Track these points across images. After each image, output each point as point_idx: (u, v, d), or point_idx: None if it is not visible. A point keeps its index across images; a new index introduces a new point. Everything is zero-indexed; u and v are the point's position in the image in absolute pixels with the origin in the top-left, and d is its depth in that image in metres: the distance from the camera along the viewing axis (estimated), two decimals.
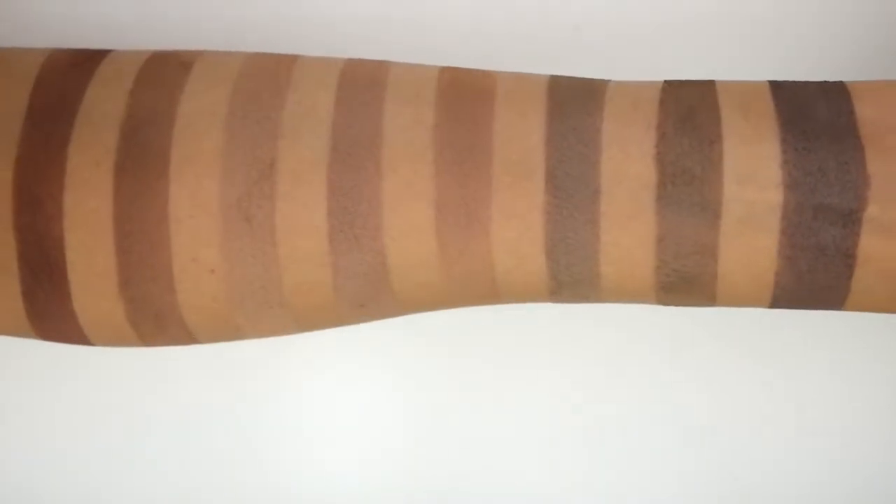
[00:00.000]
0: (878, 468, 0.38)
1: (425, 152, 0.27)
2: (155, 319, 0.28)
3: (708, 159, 0.26)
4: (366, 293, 0.28)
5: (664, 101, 0.27)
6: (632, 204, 0.26)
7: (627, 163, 0.26)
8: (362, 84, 0.28)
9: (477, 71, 0.28)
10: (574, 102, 0.27)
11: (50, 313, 0.28)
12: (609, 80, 0.28)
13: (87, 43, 0.33)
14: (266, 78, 0.28)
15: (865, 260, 0.26)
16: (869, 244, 0.26)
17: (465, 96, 0.27)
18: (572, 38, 0.33)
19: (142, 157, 0.27)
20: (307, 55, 0.29)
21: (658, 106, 0.27)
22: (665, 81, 0.28)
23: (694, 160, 0.26)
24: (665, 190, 0.26)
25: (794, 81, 0.27)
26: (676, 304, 0.28)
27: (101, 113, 0.27)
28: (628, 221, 0.26)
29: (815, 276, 0.26)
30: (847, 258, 0.26)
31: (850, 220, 0.26)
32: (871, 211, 0.26)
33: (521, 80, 0.28)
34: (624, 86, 0.28)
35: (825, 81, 0.27)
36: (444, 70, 0.28)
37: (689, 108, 0.27)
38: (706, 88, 0.27)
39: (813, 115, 0.26)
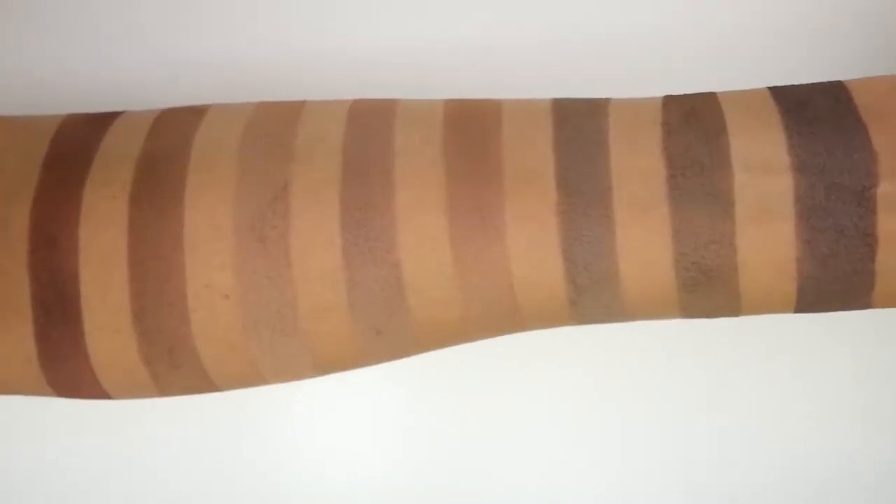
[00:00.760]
0: (880, 468, 0.37)
1: (436, 166, 0.27)
2: (169, 355, 0.28)
3: (715, 150, 0.26)
4: (382, 313, 0.27)
5: (666, 104, 0.28)
6: (644, 197, 0.26)
7: (636, 158, 0.26)
8: (371, 115, 0.29)
9: (481, 99, 0.29)
10: (578, 113, 0.28)
11: (62, 356, 0.28)
12: (610, 98, 0.29)
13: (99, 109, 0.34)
14: (277, 116, 0.29)
15: (887, 239, 0.26)
16: (887, 222, 0.26)
17: (471, 117, 0.28)
18: (572, 43, 0.34)
19: (158, 188, 0.27)
20: (314, 99, 0.30)
21: (661, 108, 0.27)
22: (665, 95, 0.28)
23: (702, 151, 0.26)
24: (676, 182, 0.26)
25: (791, 85, 0.28)
26: (701, 311, 0.28)
27: (118, 155, 0.28)
28: (642, 215, 0.26)
29: (838, 260, 0.26)
30: (867, 237, 0.26)
31: (864, 197, 0.26)
32: (884, 187, 0.26)
33: (526, 102, 0.29)
34: (625, 100, 0.28)
35: (821, 82, 0.28)
36: (449, 100, 0.29)
37: (691, 107, 0.27)
38: (706, 94, 0.28)
39: (812, 105, 0.27)
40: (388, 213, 0.27)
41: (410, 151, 0.27)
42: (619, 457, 0.38)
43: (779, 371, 0.38)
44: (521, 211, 0.27)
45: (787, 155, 0.26)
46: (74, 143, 0.29)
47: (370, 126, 0.28)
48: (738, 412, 0.38)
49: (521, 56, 0.34)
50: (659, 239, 0.26)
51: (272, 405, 0.38)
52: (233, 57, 0.36)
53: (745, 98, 0.28)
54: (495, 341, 0.37)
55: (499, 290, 0.27)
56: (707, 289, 0.27)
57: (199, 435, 0.39)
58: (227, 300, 0.27)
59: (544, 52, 0.34)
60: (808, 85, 0.28)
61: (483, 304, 0.27)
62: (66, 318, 0.27)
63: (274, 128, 0.28)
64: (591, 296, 0.27)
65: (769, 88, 0.28)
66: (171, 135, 0.28)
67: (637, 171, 0.26)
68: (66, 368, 0.28)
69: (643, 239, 0.26)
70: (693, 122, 0.27)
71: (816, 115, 0.27)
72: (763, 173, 0.26)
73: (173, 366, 0.28)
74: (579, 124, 0.27)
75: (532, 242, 0.27)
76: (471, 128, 0.28)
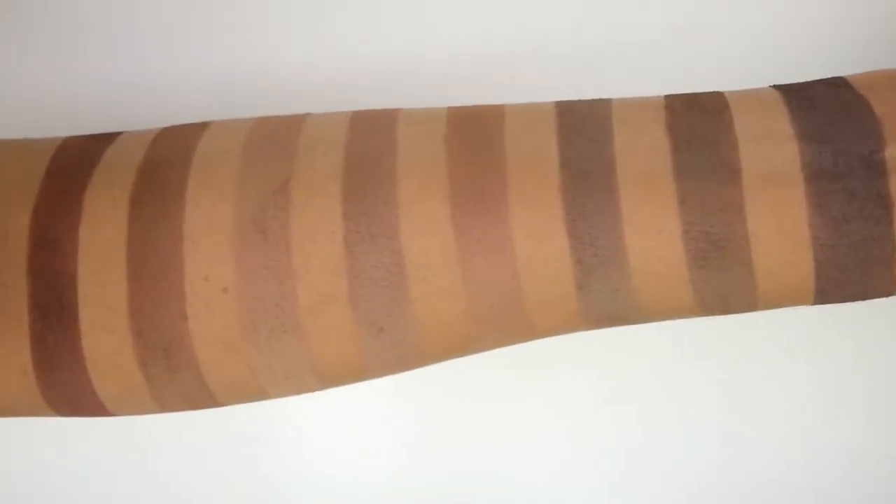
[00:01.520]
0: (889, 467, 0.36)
1: (438, 155, 0.27)
2: (164, 357, 0.27)
3: (719, 126, 0.26)
4: (383, 307, 0.27)
5: (669, 95, 0.28)
6: (648, 171, 0.26)
7: (640, 136, 0.26)
8: (374, 119, 0.29)
9: (484, 105, 0.29)
10: (581, 106, 0.28)
11: (59, 362, 0.27)
12: (612, 98, 0.29)
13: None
14: (280, 126, 0.29)
15: None
16: None
17: (474, 117, 0.28)
18: (573, 41, 0.35)
19: (159, 190, 0.27)
20: (317, 112, 0.30)
21: (664, 97, 0.28)
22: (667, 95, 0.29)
23: (706, 128, 0.26)
24: (681, 155, 0.26)
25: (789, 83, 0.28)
26: (715, 295, 0.27)
27: (121, 163, 0.28)
28: (647, 186, 0.26)
29: (854, 224, 0.25)
30: (880, 198, 0.25)
31: (872, 161, 0.25)
32: (892, 150, 0.25)
33: (529, 104, 0.29)
34: (628, 97, 0.29)
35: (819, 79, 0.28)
36: (453, 107, 0.29)
37: (693, 95, 0.28)
38: (710, 91, 0.28)
39: (812, 89, 0.27)
40: (390, 201, 0.27)
41: (413, 144, 0.27)
42: (624, 460, 0.37)
43: (788, 372, 0.37)
44: (523, 192, 0.26)
45: (790, 125, 0.26)
46: (76, 155, 0.29)
47: (373, 127, 0.28)
48: (746, 414, 0.37)
49: (522, 67, 0.35)
50: (665, 209, 0.26)
51: (274, 410, 0.38)
52: (233, 72, 0.36)
53: (744, 91, 0.28)
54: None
55: (503, 276, 0.26)
56: (719, 262, 0.26)
57: (200, 439, 0.38)
58: (225, 294, 0.26)
59: (546, 63, 0.35)
60: (805, 82, 0.28)
61: (486, 294, 0.27)
62: (63, 319, 0.27)
63: (276, 134, 0.29)
64: (599, 277, 0.26)
65: (770, 86, 0.28)
66: (174, 144, 0.29)
67: (640, 146, 0.26)
68: (61, 377, 0.27)
69: (649, 210, 0.26)
70: (696, 106, 0.27)
71: (815, 95, 0.27)
72: (768, 143, 0.26)
73: (169, 369, 0.27)
74: (582, 114, 0.27)
75: (536, 222, 0.26)
76: (473, 124, 0.28)
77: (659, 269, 0.26)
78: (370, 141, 0.28)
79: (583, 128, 0.27)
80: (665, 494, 0.37)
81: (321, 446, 0.38)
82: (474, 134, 0.27)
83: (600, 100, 0.28)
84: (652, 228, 0.26)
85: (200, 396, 0.28)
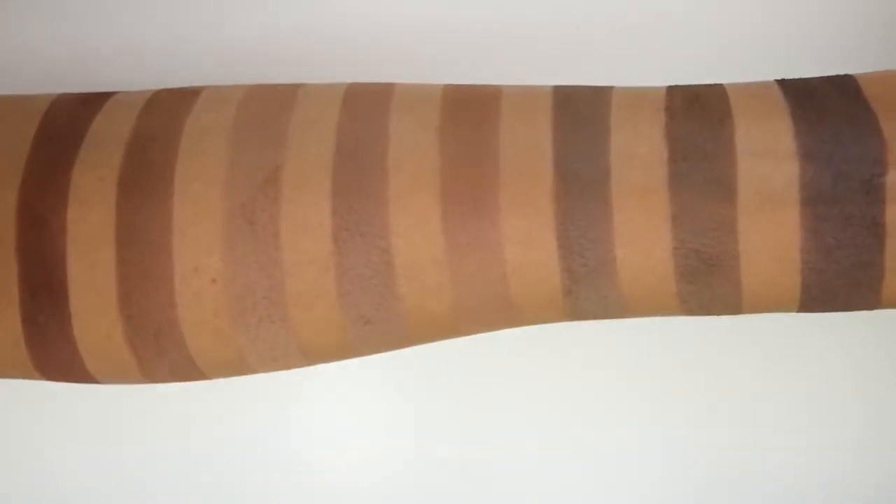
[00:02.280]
0: (880, 469, 0.37)
1: (430, 150, 0.26)
2: (155, 340, 0.27)
3: (719, 136, 0.26)
4: (371, 302, 0.27)
5: (671, 91, 0.27)
6: (643, 182, 0.25)
7: (637, 142, 0.26)
8: (367, 97, 0.28)
9: (480, 84, 0.29)
10: (579, 98, 0.27)
11: (49, 340, 0.27)
12: (613, 86, 0.28)
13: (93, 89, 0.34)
14: (272, 99, 0.28)
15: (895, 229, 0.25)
16: None
17: (469, 102, 0.28)
18: (573, 38, 0.33)
19: (147, 172, 0.27)
20: (311, 82, 0.30)
21: (665, 94, 0.27)
22: (669, 85, 0.28)
23: (705, 137, 0.26)
24: (677, 166, 0.25)
25: (798, 77, 0.27)
26: (701, 305, 0.27)
27: (108, 136, 0.28)
28: (640, 199, 0.25)
29: (844, 251, 0.25)
30: (875, 227, 0.25)
31: (872, 185, 0.25)
32: (893, 175, 0.25)
33: (526, 88, 0.28)
34: (628, 87, 0.28)
35: (830, 75, 0.27)
36: (448, 85, 0.29)
37: (696, 94, 0.27)
38: (712, 84, 0.27)
39: (819, 95, 0.26)
40: (381, 198, 0.26)
41: (405, 135, 0.27)
42: (619, 458, 0.38)
43: (780, 372, 0.37)
44: (516, 196, 0.26)
45: (793, 142, 0.25)
46: (65, 122, 0.28)
47: (365, 109, 0.28)
48: (740, 413, 0.37)
49: (522, 38, 0.34)
50: (657, 224, 0.25)
51: (272, 402, 0.38)
52: (227, 38, 0.35)
53: (751, 88, 0.27)
54: (497, 340, 0.36)
55: (491, 278, 0.26)
56: (707, 279, 0.26)
57: (196, 433, 0.39)
58: (214, 284, 0.26)
59: (547, 37, 0.34)
60: (816, 77, 0.27)
61: (475, 293, 0.27)
62: (54, 301, 0.27)
63: (267, 111, 0.28)
64: (587, 284, 0.26)
65: (777, 80, 0.27)
66: (163, 117, 0.28)
67: (637, 154, 0.26)
68: (52, 353, 0.27)
69: (641, 224, 0.25)
70: (697, 108, 0.26)
71: (824, 104, 0.26)
72: (768, 160, 0.25)
73: (159, 352, 0.27)
74: (580, 108, 0.27)
75: (527, 228, 0.26)
76: (468, 112, 0.27)
77: (647, 281, 0.26)
78: (362, 127, 0.27)
79: (579, 127, 0.26)
80: (663, 490, 0.38)
81: (316, 439, 0.39)
82: (468, 126, 0.27)
83: (599, 91, 0.27)
84: (643, 243, 0.26)
85: (189, 373, 0.28)
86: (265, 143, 0.27)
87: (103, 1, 0.36)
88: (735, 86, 0.27)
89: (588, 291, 0.26)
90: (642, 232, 0.25)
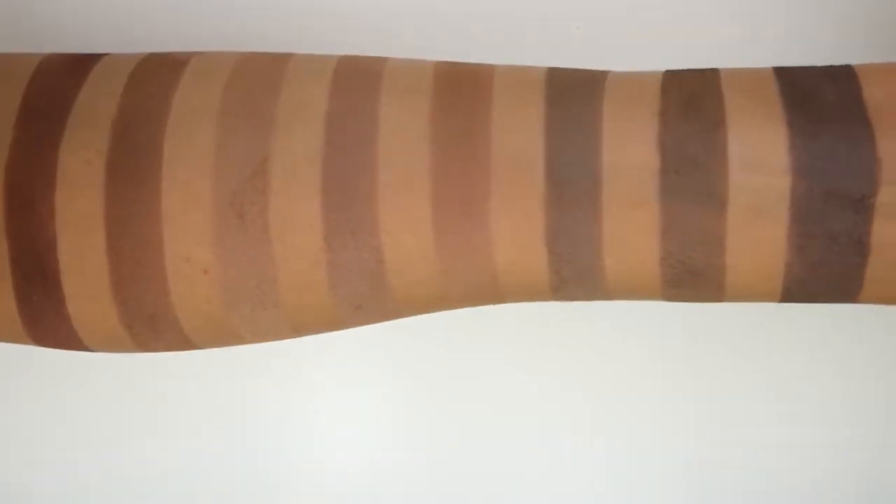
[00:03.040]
0: (878, 468, 0.38)
1: (421, 144, 0.26)
2: (150, 322, 0.28)
3: (712, 145, 0.25)
4: (363, 293, 0.27)
5: (666, 87, 0.26)
6: (634, 193, 0.25)
7: (629, 151, 0.25)
8: (357, 77, 0.27)
9: (474, 63, 0.28)
10: (573, 91, 0.26)
11: (44, 318, 0.28)
12: (608, 71, 0.27)
13: (82, 48, 0.33)
14: (259, 75, 0.27)
15: (880, 247, 0.25)
16: (882, 231, 0.25)
17: (461, 87, 0.27)
18: (572, 34, 0.32)
19: (134, 156, 0.27)
20: (301, 53, 0.29)
21: (660, 93, 0.26)
22: (666, 70, 0.27)
23: (698, 147, 0.25)
24: (669, 178, 0.25)
25: (799, 67, 0.27)
26: (683, 300, 0.27)
27: (93, 113, 0.27)
28: (631, 211, 0.25)
29: (828, 266, 0.25)
30: (860, 246, 0.25)
31: (862, 205, 0.25)
32: (883, 195, 0.25)
33: (519, 71, 0.27)
34: (623, 75, 0.27)
35: (831, 65, 0.26)
36: (441, 63, 0.28)
37: (691, 94, 0.26)
38: (709, 75, 0.26)
39: (820, 99, 0.25)
40: (371, 195, 0.26)
41: (396, 125, 0.26)
42: (617, 455, 0.38)
43: (776, 364, 0.38)
44: (507, 201, 0.26)
45: (787, 155, 0.25)
46: (50, 95, 0.28)
47: (355, 93, 0.27)
48: (735, 410, 0.38)
49: (521, 37, 0.32)
50: (646, 236, 0.26)
51: (269, 396, 0.39)
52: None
53: (748, 82, 0.26)
54: (495, 339, 0.37)
55: (481, 276, 0.27)
56: (692, 286, 0.26)
57: (196, 432, 0.39)
58: (206, 275, 0.27)
59: (546, 37, 0.32)
60: (816, 69, 0.26)
61: (464, 287, 0.27)
62: (46, 284, 0.27)
63: (256, 88, 0.27)
64: (575, 284, 0.27)
65: (775, 70, 0.26)
66: (149, 92, 0.27)
67: (629, 165, 0.25)
68: (48, 328, 0.28)
69: (630, 235, 0.26)
70: (692, 112, 0.26)
71: (822, 112, 0.25)
72: (760, 174, 0.25)
73: (154, 331, 0.28)
74: (573, 106, 0.26)
75: (517, 233, 0.26)
76: (460, 100, 0.27)
77: (633, 285, 0.27)
78: (352, 115, 0.26)
79: (571, 130, 0.26)
80: (656, 484, 0.39)
81: (313, 436, 0.39)
82: (459, 117, 0.26)
83: (593, 82, 0.27)
84: (631, 253, 0.26)
85: (183, 347, 0.29)
86: (253, 130, 0.26)
87: None
88: (732, 78, 0.26)
89: (575, 290, 0.27)
90: (631, 243, 0.26)
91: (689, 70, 0.27)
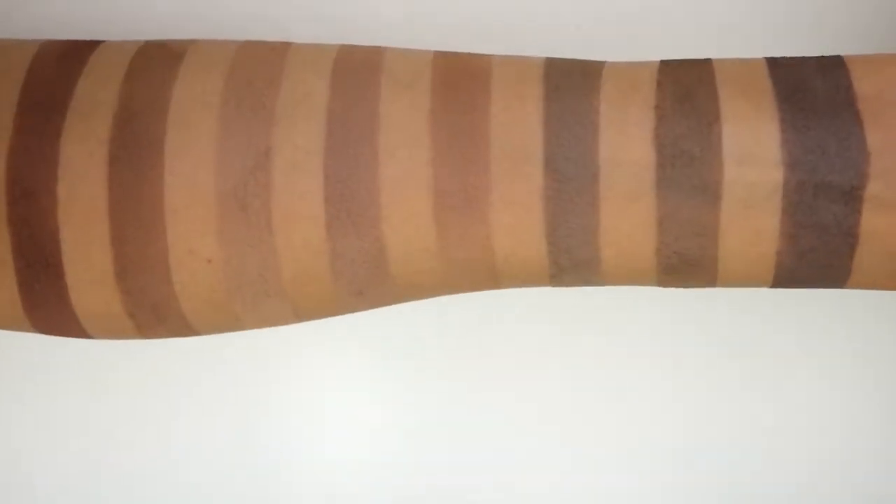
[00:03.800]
0: (877, 468, 0.38)
1: (422, 138, 0.26)
2: (153, 310, 0.28)
3: (707, 140, 0.26)
4: (364, 280, 0.28)
5: (661, 82, 0.27)
6: (631, 186, 0.26)
7: (626, 145, 0.26)
8: (357, 69, 0.27)
9: (472, 54, 0.28)
10: (570, 84, 0.27)
11: (46, 305, 0.28)
12: (605, 62, 0.28)
13: (79, 34, 0.32)
14: (260, 65, 0.28)
15: (867, 238, 0.26)
16: (870, 222, 0.26)
17: (460, 80, 0.27)
18: (572, 32, 0.33)
19: (136, 147, 0.27)
20: (300, 42, 0.29)
21: (656, 87, 0.26)
22: (661, 62, 0.27)
23: (693, 141, 0.26)
24: (665, 172, 0.26)
25: (791, 57, 0.27)
26: (677, 286, 0.28)
27: (94, 103, 0.27)
28: (628, 204, 0.26)
29: (817, 255, 0.26)
30: (849, 237, 0.26)
31: (852, 197, 0.26)
32: (872, 188, 0.25)
33: (517, 63, 0.28)
34: (620, 67, 0.27)
35: (822, 56, 0.27)
36: (439, 54, 0.28)
37: (686, 89, 0.26)
38: (703, 68, 0.27)
39: (811, 92, 0.26)
40: (373, 186, 0.26)
41: (396, 118, 0.27)
42: (615, 457, 0.39)
43: (779, 374, 0.38)
44: (507, 194, 0.26)
45: (779, 150, 0.26)
46: (49, 85, 0.28)
47: (355, 84, 0.27)
48: (736, 416, 0.38)
49: (519, 36, 0.32)
50: (643, 228, 0.26)
51: (268, 394, 0.39)
52: None
53: (742, 76, 0.27)
54: (494, 341, 0.37)
55: (481, 265, 0.27)
56: (686, 273, 0.27)
57: (195, 430, 0.39)
58: (209, 264, 0.27)
59: (546, 37, 0.33)
60: (808, 61, 0.27)
61: (464, 276, 0.28)
62: (48, 273, 0.27)
63: (256, 79, 0.27)
64: (572, 273, 0.27)
65: (767, 62, 0.27)
66: (149, 83, 0.27)
67: (626, 159, 0.26)
68: (50, 315, 0.28)
69: (627, 228, 0.26)
70: (687, 108, 0.26)
71: (813, 106, 0.26)
72: (754, 168, 0.26)
73: (157, 319, 0.28)
74: (570, 100, 0.26)
75: (516, 226, 0.26)
76: (459, 94, 0.27)
77: (630, 274, 0.27)
78: (352, 108, 0.27)
79: (569, 123, 0.26)
80: (656, 489, 0.39)
81: (313, 435, 0.39)
82: (459, 110, 0.27)
83: (590, 73, 0.27)
84: (628, 244, 0.26)
85: (185, 333, 0.29)
86: (254, 122, 0.27)
87: None
88: (726, 71, 0.27)
89: (573, 278, 0.28)
90: (628, 235, 0.26)
91: (683, 61, 0.27)
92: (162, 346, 0.36)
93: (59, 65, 0.28)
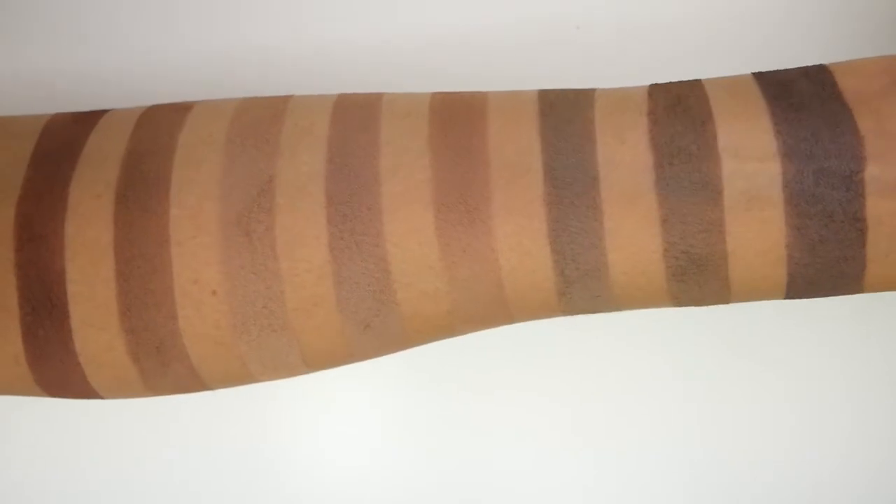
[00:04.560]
0: (878, 469, 0.37)
1: (422, 157, 0.27)
2: (157, 353, 0.27)
3: (702, 138, 0.26)
4: (370, 308, 0.27)
5: (652, 93, 0.27)
6: (631, 187, 0.26)
7: (623, 148, 0.26)
8: (357, 107, 0.28)
9: (467, 91, 0.29)
10: (565, 102, 0.28)
11: (51, 354, 0.28)
12: (596, 88, 0.29)
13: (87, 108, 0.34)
14: (263, 109, 0.29)
15: (876, 223, 0.26)
16: (876, 205, 0.25)
17: (458, 109, 0.28)
18: (572, 38, 0.34)
19: (142, 185, 0.27)
20: (300, 94, 0.30)
21: (647, 97, 0.27)
22: (651, 84, 0.28)
23: (688, 140, 0.26)
24: (663, 171, 0.26)
25: (775, 70, 0.28)
26: (691, 300, 0.27)
27: (104, 153, 0.28)
28: (630, 204, 0.26)
29: (828, 246, 0.26)
30: (856, 222, 0.26)
31: (852, 181, 0.26)
32: (871, 170, 0.26)
33: (512, 94, 0.29)
34: (610, 89, 0.28)
35: (805, 66, 0.28)
36: (437, 93, 0.29)
37: (677, 97, 0.27)
38: (692, 82, 0.28)
39: (796, 91, 0.27)
40: (374, 206, 0.27)
41: (396, 142, 0.27)
42: (616, 462, 0.38)
43: (777, 370, 0.37)
44: (508, 203, 0.26)
45: (774, 140, 0.26)
46: (60, 141, 0.29)
47: (356, 117, 0.28)
48: (735, 418, 0.38)
49: (504, 46, 0.34)
50: (647, 228, 0.26)
51: (273, 407, 0.38)
52: (216, 53, 0.35)
53: (730, 85, 0.27)
54: (495, 344, 0.36)
55: (487, 283, 0.27)
56: (697, 277, 0.27)
57: (195, 432, 0.39)
58: (214, 296, 0.27)
59: (528, 43, 0.34)
60: (790, 70, 0.28)
61: (471, 297, 0.27)
62: (54, 316, 0.27)
63: (259, 121, 0.28)
64: (580, 286, 0.27)
65: (753, 75, 0.28)
66: (157, 131, 0.28)
67: (623, 161, 0.26)
68: (53, 367, 0.28)
69: (631, 229, 0.26)
70: (679, 111, 0.27)
71: (801, 100, 0.26)
72: (751, 160, 0.26)
73: (162, 363, 0.28)
74: (565, 113, 0.27)
75: (520, 235, 0.26)
76: (457, 119, 0.28)
77: (639, 282, 0.27)
78: (353, 136, 0.28)
79: (565, 134, 0.27)
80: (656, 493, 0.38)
81: (316, 442, 0.39)
82: (457, 133, 0.27)
83: (582, 96, 0.28)
84: (634, 246, 0.26)
85: (192, 385, 0.29)
86: (258, 154, 0.27)
87: (91, 22, 0.36)
88: (714, 83, 0.28)
89: (581, 292, 0.27)
90: (633, 236, 0.26)
91: (672, 81, 0.28)
92: None
93: (72, 124, 0.29)
